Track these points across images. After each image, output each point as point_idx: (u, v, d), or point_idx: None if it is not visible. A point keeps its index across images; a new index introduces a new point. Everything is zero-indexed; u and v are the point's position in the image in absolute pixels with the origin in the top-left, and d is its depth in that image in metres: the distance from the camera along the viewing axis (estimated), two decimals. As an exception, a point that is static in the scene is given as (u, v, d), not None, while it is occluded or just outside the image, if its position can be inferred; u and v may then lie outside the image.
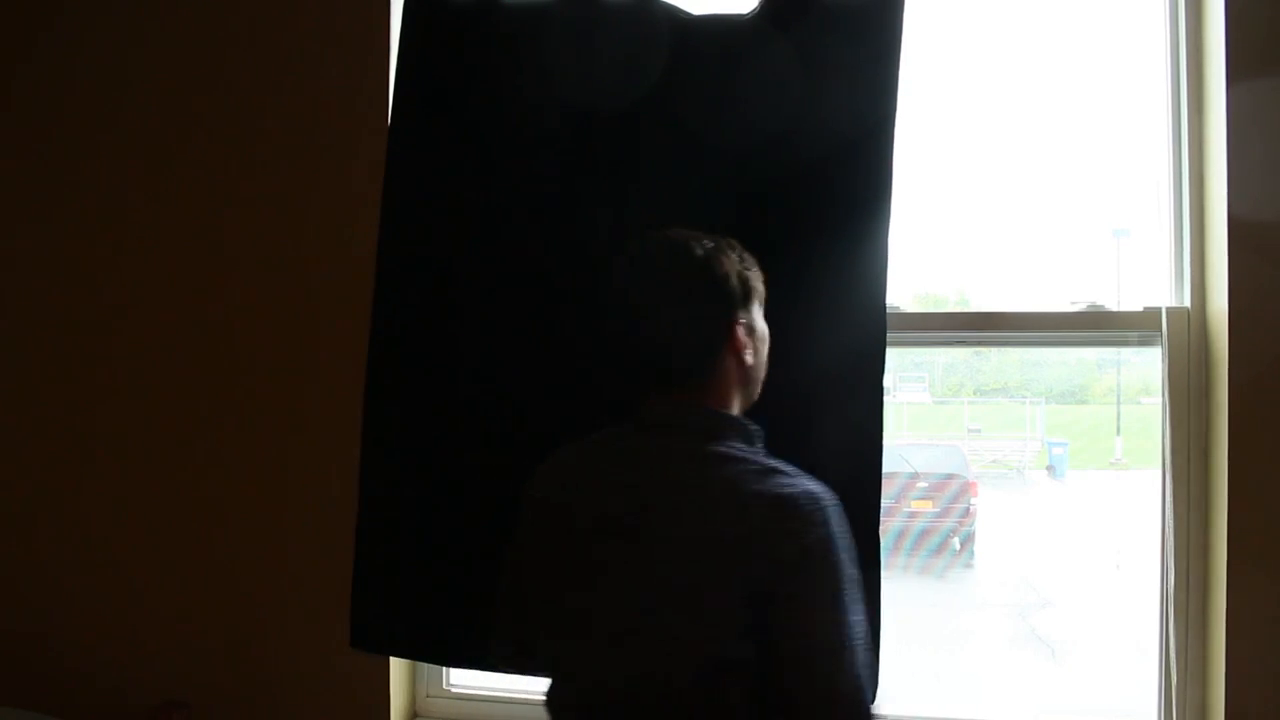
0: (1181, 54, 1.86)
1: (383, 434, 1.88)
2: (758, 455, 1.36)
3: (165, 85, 2.13)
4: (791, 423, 1.74)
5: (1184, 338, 1.80)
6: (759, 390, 1.45)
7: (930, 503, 5.60)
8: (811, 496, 1.28)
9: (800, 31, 1.76)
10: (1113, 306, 1.90)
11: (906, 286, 1.82)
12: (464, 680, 2.14)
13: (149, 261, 2.13)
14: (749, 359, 1.39)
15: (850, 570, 1.27)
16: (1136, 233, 1.96)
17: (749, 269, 1.42)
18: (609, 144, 1.81)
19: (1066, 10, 2.11)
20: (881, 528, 1.71)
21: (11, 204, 2.21)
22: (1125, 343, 1.93)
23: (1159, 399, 1.84)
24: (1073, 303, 1.93)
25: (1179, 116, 1.87)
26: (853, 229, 1.73)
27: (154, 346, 2.12)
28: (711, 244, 1.39)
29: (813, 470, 1.73)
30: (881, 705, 1.34)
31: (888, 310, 1.73)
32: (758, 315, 1.42)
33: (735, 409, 1.40)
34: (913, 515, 5.53)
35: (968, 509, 5.66)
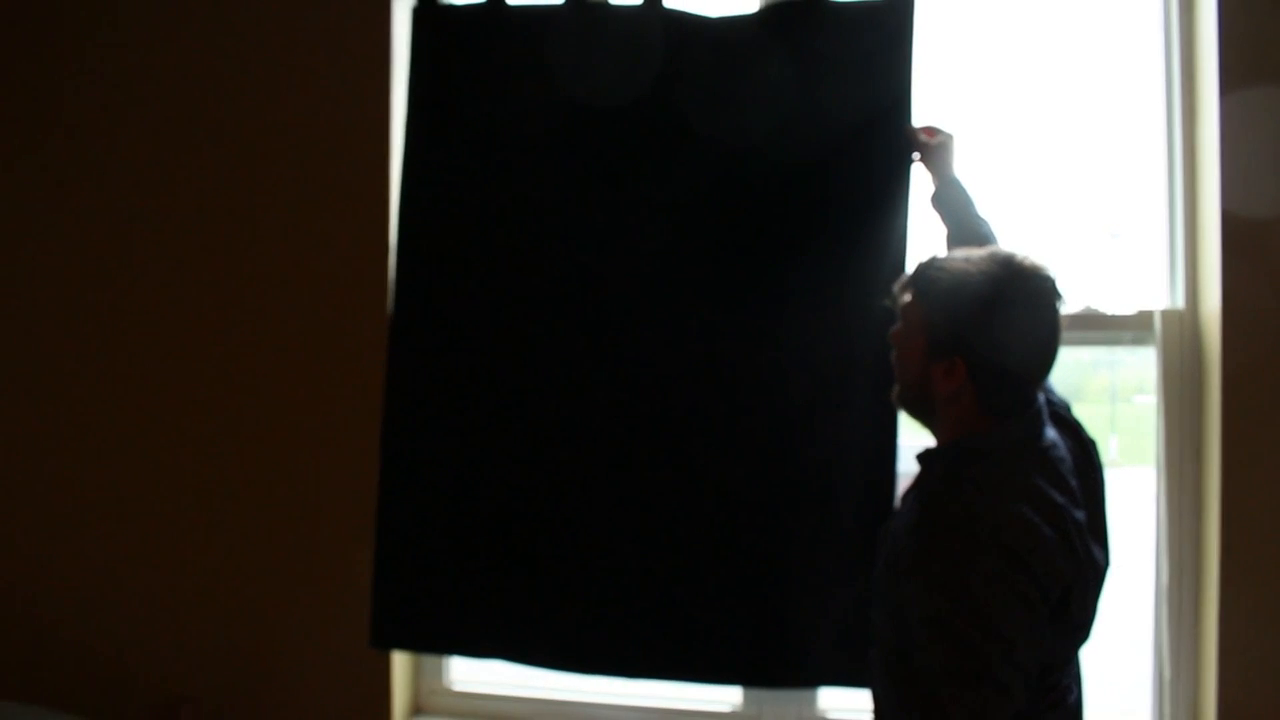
0: (1175, 60, 1.88)
1: (402, 432, 1.91)
2: None
3: (175, 92, 2.14)
4: (807, 420, 1.77)
5: (1178, 339, 1.83)
6: None
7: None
8: None
9: (807, 31, 1.78)
10: (1109, 309, 1.92)
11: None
12: (466, 677, 2.16)
13: (162, 260, 2.14)
14: None
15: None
16: (1131, 235, 1.99)
17: None
18: (620, 144, 1.83)
19: (1065, 18, 2.14)
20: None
21: (16, 204, 2.22)
22: (1120, 342, 1.96)
23: (1153, 398, 1.86)
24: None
25: (1172, 121, 1.89)
26: (871, 218, 1.75)
27: (169, 346, 2.14)
28: None
29: (826, 468, 1.76)
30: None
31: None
32: None
33: None
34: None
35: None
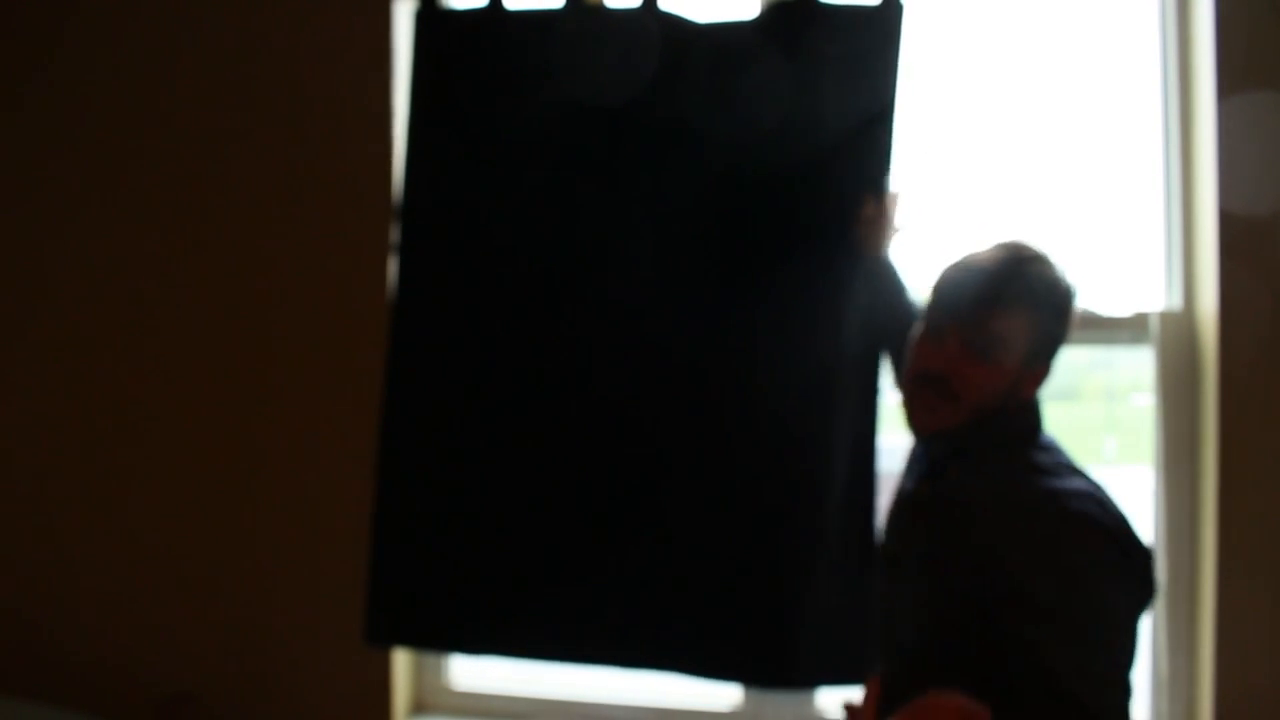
0: (1171, 63, 1.89)
1: (400, 430, 1.92)
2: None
3: (175, 93, 2.14)
4: (803, 419, 1.78)
5: (1174, 340, 1.84)
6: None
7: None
8: None
9: (801, 34, 1.80)
10: (1106, 310, 1.93)
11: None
12: (467, 676, 2.17)
13: (163, 259, 2.14)
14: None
15: None
16: (1128, 236, 2.00)
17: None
18: (617, 145, 1.85)
19: (1062, 17, 2.15)
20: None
21: (19, 204, 2.22)
22: (1117, 343, 1.97)
23: (1150, 398, 1.87)
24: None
25: (1169, 123, 1.90)
26: (854, 227, 1.76)
27: (167, 343, 2.14)
28: None
29: (809, 470, 1.77)
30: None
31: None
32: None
33: None
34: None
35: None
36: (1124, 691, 1.19)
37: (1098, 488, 1.26)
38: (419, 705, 2.13)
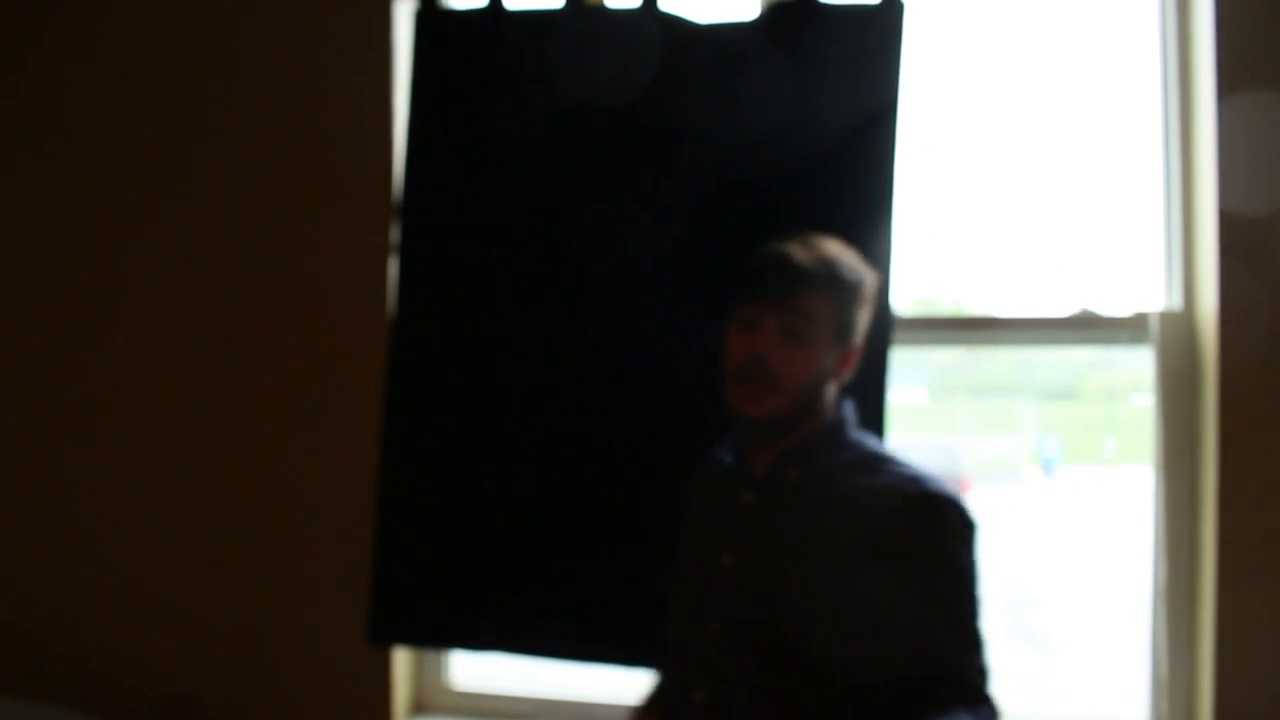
0: (1171, 62, 1.89)
1: (401, 431, 1.92)
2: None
3: (175, 94, 2.14)
4: None
5: (1174, 340, 1.84)
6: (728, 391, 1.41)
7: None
8: None
9: (802, 34, 1.80)
10: (1106, 310, 1.93)
11: (904, 292, 1.85)
12: (467, 676, 2.17)
13: (166, 259, 2.14)
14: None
15: None
16: (1128, 237, 2.00)
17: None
18: (618, 146, 1.85)
19: (1063, 21, 2.16)
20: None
21: (20, 204, 2.22)
22: (1117, 343, 1.97)
23: (1149, 398, 1.87)
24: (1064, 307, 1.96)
25: (1169, 123, 1.90)
26: (856, 228, 1.77)
27: (170, 340, 2.14)
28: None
29: None
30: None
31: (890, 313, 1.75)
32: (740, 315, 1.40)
33: None
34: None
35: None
36: (984, 649, 1.30)
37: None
38: (419, 705, 2.13)
